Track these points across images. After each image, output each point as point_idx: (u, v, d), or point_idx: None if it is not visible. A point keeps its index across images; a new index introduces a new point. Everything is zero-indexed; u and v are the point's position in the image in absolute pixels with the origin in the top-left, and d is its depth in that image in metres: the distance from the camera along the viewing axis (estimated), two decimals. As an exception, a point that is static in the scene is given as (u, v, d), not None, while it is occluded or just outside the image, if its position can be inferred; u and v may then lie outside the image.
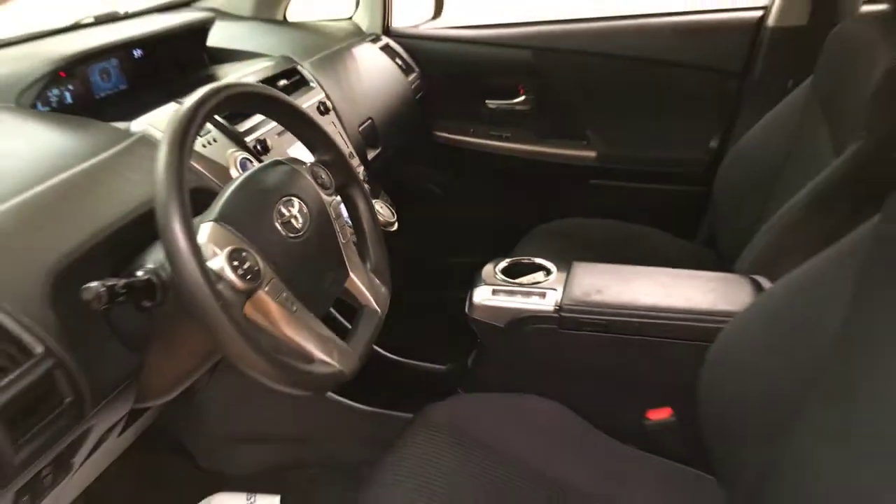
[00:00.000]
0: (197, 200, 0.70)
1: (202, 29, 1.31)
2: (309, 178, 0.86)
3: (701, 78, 1.63)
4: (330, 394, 1.32)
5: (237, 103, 0.81)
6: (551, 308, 1.05)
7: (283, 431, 1.34)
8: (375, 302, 0.90)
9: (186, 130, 0.71)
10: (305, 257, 0.81)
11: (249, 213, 0.77)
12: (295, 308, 0.76)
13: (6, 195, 0.75)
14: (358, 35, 1.70)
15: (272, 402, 1.28)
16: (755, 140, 1.36)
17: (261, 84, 0.87)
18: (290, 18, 1.74)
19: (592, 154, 1.73)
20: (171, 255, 0.65)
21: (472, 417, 1.02)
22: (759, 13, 1.61)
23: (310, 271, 0.81)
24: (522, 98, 1.76)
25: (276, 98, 0.86)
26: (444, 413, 1.03)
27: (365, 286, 0.89)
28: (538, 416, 1.03)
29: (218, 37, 1.37)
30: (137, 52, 1.23)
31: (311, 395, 0.80)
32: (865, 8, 1.20)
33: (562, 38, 1.71)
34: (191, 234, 0.66)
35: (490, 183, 1.86)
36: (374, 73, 1.58)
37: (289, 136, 1.09)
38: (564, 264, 1.13)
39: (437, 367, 1.50)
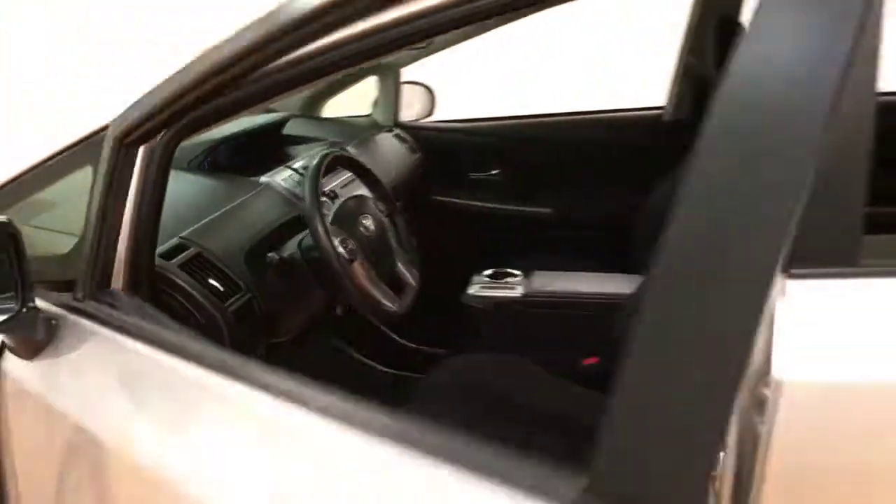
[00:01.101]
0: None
1: (283, 123, 1.97)
2: (373, 205, 1.49)
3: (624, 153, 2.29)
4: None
5: (336, 163, 1.44)
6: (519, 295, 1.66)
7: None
8: (411, 278, 1.51)
9: (318, 174, 1.34)
10: (375, 248, 1.43)
11: (348, 221, 1.39)
12: (373, 273, 1.37)
13: (205, 214, 1.36)
14: (377, 127, 2.36)
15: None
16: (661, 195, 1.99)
17: (347, 151, 1.51)
18: (325, 115, 2.40)
19: (549, 210, 2.37)
20: (316, 239, 1.27)
21: (475, 373, 1.55)
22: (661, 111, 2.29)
23: (377, 254, 1.43)
24: (496, 171, 2.41)
25: (355, 160, 1.50)
26: (448, 372, 1.56)
27: (405, 268, 1.51)
28: (524, 370, 1.55)
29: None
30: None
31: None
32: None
33: (520, 129, 2.38)
34: (325, 229, 1.28)
35: (472, 230, 2.46)
36: (390, 152, 2.23)
37: (350, 187, 1.71)
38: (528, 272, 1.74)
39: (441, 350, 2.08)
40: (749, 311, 0.53)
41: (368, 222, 1.43)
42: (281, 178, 1.61)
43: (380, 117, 2.44)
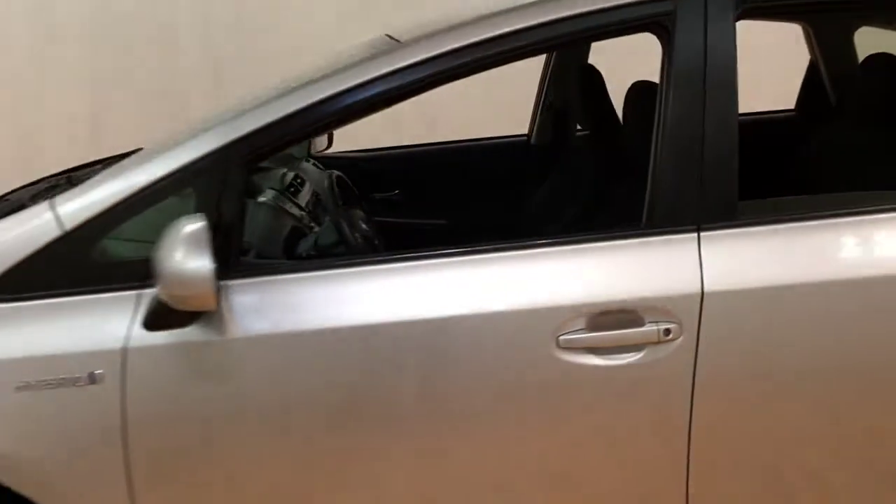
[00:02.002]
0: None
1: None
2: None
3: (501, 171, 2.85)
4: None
5: (334, 182, 1.86)
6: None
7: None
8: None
9: (333, 189, 1.76)
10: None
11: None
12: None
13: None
14: (294, 158, 2.75)
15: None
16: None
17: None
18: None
19: (443, 222, 2.87)
20: (340, 230, 1.69)
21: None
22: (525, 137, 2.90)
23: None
24: (396, 192, 2.88)
25: (343, 178, 1.93)
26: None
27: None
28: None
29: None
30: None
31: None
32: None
33: (415, 155, 2.88)
34: (346, 226, 1.70)
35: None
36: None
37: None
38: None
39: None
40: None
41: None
42: (272, 196, 1.98)
43: (294, 151, 2.83)
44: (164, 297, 1.34)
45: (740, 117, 1.52)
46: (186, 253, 1.29)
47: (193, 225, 1.32)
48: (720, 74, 1.51)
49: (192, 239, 1.30)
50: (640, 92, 2.06)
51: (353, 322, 1.45)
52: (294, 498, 1.53)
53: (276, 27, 4.46)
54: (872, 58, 2.24)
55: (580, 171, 2.42)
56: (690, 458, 1.51)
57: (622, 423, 1.51)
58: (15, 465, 1.45)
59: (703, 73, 1.51)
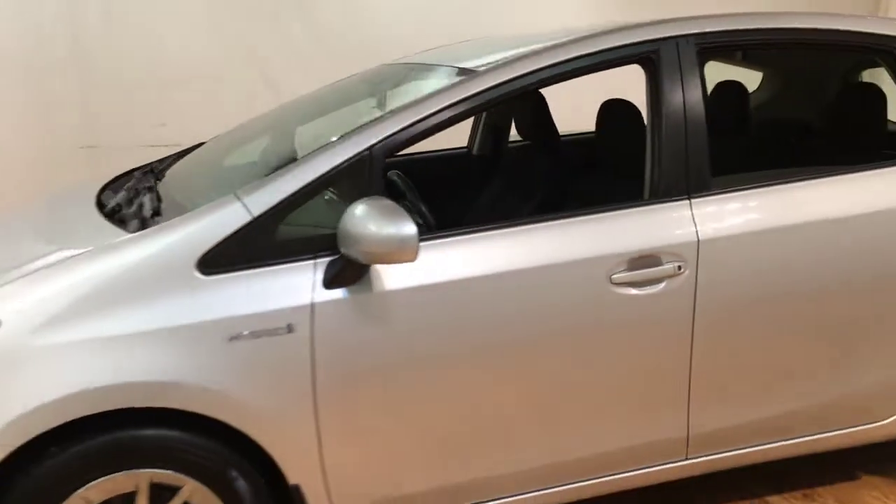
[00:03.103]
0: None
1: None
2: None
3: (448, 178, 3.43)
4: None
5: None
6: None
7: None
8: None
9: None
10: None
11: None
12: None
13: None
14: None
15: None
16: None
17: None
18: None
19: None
20: (420, 213, 2.23)
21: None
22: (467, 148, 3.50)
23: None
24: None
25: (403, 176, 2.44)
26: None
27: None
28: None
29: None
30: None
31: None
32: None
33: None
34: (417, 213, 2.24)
35: None
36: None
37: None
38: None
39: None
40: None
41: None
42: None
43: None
44: (365, 258, 1.80)
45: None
46: (390, 221, 1.76)
47: (385, 201, 1.80)
48: (692, 91, 2.23)
49: (392, 211, 1.78)
50: (611, 106, 2.74)
51: (479, 273, 1.98)
52: (448, 411, 2.02)
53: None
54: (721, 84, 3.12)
55: (531, 173, 3.06)
56: (693, 353, 2.19)
57: (651, 335, 2.16)
58: (228, 402, 1.83)
59: (681, 90, 2.22)
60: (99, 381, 1.73)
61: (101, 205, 2.34)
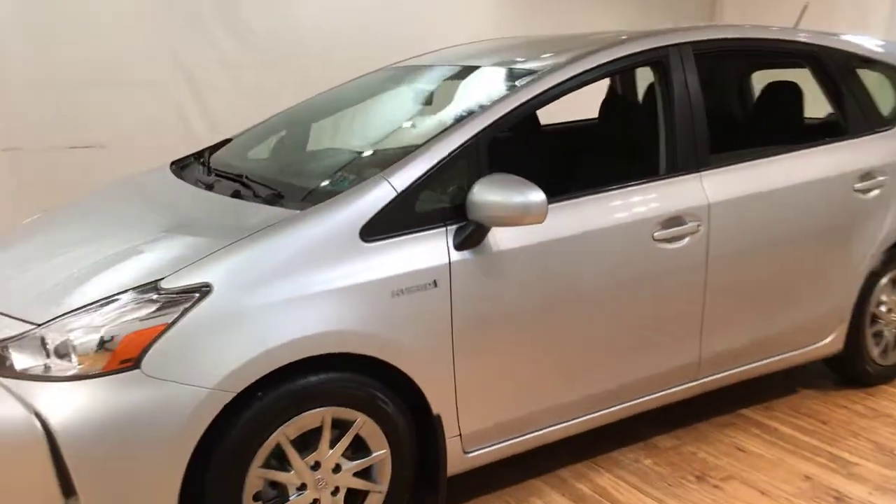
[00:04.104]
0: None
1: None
2: None
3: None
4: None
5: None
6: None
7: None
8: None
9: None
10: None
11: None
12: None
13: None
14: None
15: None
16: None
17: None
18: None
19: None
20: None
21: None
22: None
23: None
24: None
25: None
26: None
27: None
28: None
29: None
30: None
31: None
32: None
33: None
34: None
35: None
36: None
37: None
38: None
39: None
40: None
41: None
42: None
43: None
44: (493, 223, 2.23)
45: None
46: (518, 191, 2.21)
47: (509, 175, 2.25)
48: (694, 86, 2.82)
49: (517, 182, 2.23)
50: (612, 101, 3.29)
51: (565, 234, 2.47)
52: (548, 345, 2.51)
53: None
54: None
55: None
56: (706, 292, 2.79)
57: (680, 280, 2.74)
58: (393, 347, 2.20)
59: (686, 86, 2.81)
60: (299, 333, 2.06)
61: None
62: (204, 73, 5.84)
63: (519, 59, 2.97)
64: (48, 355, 1.94)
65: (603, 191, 2.63)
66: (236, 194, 2.48)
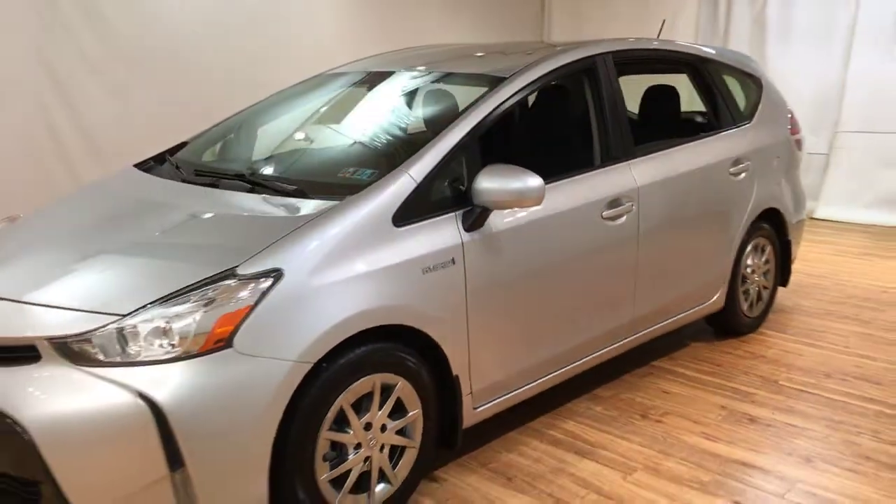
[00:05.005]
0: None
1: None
2: None
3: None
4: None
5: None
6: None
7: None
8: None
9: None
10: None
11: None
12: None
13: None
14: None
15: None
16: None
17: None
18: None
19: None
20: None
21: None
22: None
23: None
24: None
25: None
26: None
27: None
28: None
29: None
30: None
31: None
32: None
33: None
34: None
35: None
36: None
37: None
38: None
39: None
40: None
41: None
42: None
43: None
44: (496, 206, 2.62)
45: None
46: (518, 178, 2.61)
47: (507, 165, 2.64)
48: (616, 89, 3.36)
49: (517, 171, 2.63)
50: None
51: (550, 212, 2.89)
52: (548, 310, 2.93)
53: None
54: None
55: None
56: (638, 260, 3.35)
57: (620, 251, 3.27)
58: (426, 317, 2.53)
59: (612, 88, 3.34)
60: (358, 308, 2.34)
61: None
62: (69, 75, 5.74)
63: (457, 68, 3.39)
64: (141, 342, 2.08)
65: (564, 178, 3.07)
66: (255, 190, 2.68)
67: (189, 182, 2.89)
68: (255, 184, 2.74)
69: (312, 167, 3.07)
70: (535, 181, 2.64)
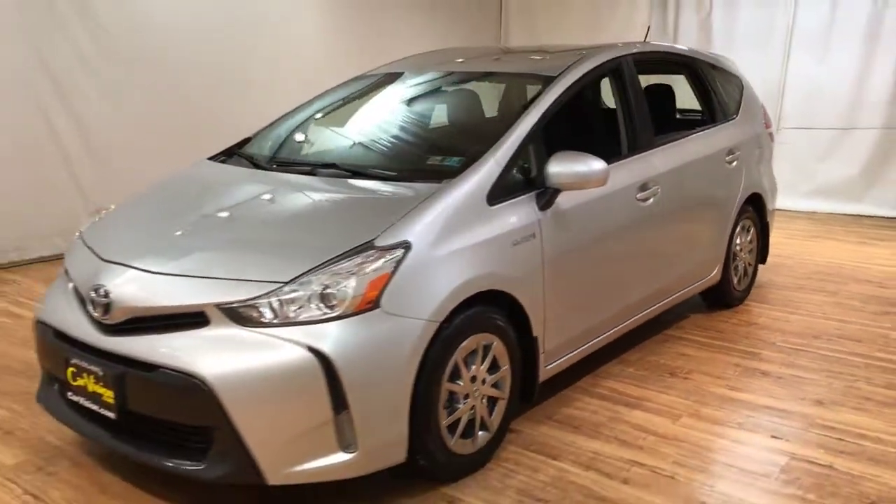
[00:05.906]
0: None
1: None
2: None
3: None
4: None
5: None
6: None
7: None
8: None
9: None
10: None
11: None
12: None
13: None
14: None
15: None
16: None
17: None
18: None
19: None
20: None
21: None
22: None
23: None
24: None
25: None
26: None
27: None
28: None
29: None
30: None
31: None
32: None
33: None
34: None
35: None
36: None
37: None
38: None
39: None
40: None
41: None
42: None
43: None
44: (565, 187, 3.02)
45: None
46: (585, 163, 3.01)
47: (574, 152, 3.05)
48: (638, 87, 3.81)
49: (584, 157, 3.03)
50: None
51: (601, 193, 3.30)
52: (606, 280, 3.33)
53: None
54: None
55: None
56: (665, 237, 3.81)
57: (650, 231, 3.71)
58: (517, 284, 2.90)
59: (635, 86, 3.79)
60: (471, 275, 2.70)
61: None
62: (68, 75, 5.89)
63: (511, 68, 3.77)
64: (302, 304, 2.39)
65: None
66: (355, 177, 3.01)
67: (282, 171, 3.18)
68: (353, 172, 3.06)
69: (400, 156, 3.40)
70: (599, 164, 3.04)
